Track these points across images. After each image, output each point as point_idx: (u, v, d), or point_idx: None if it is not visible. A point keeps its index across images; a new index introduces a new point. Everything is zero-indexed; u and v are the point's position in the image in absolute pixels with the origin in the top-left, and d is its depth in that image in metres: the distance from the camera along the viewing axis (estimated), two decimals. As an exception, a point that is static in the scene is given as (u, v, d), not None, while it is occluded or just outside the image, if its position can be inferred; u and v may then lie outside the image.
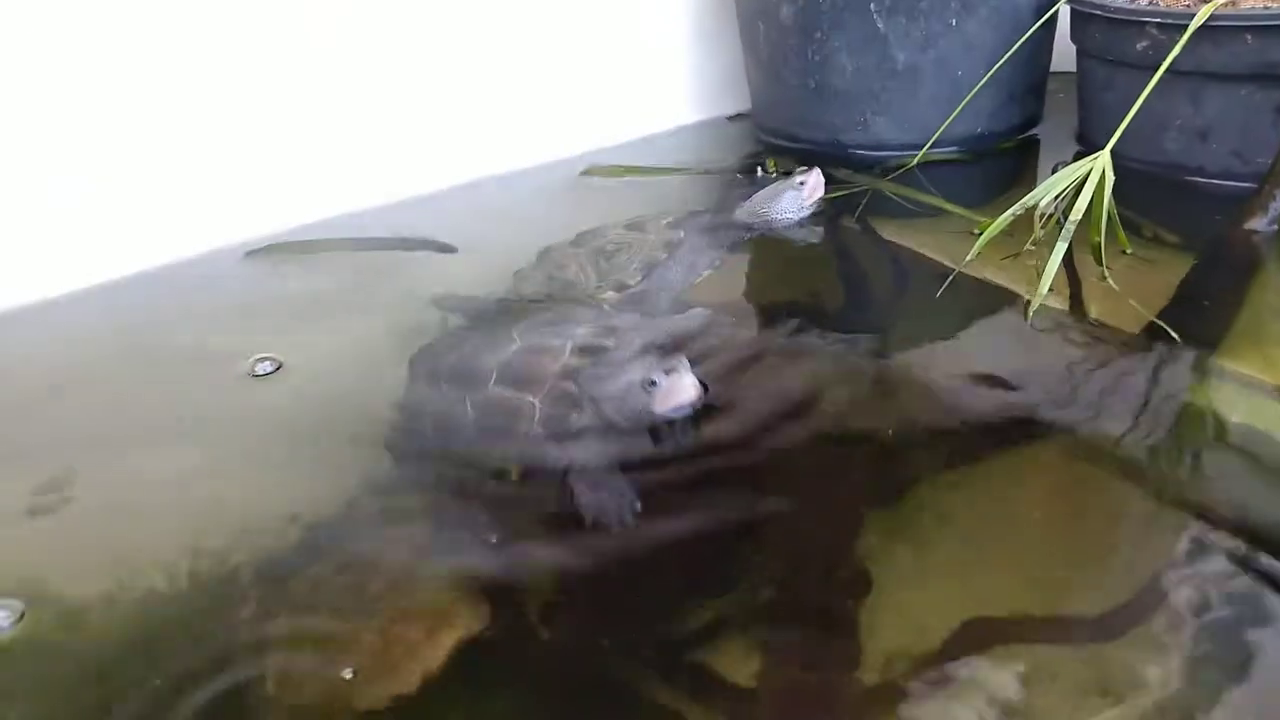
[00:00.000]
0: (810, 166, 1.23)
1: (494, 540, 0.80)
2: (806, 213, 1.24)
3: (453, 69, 1.59)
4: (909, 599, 0.72)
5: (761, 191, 1.28)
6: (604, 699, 0.68)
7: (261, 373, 1.07)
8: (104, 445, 0.99)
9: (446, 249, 1.37)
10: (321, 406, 1.01)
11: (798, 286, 1.20)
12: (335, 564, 0.80)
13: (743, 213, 1.28)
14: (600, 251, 1.19)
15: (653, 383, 0.88)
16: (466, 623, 0.74)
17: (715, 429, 0.91)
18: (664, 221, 1.25)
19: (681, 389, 0.89)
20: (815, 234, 1.28)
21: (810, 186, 1.22)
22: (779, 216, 1.25)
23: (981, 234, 1.13)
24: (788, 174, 1.30)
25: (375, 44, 1.51)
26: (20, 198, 1.27)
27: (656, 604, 0.74)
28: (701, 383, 0.90)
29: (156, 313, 1.28)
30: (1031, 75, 1.54)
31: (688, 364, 0.90)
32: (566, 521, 0.82)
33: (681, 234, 1.21)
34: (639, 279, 1.14)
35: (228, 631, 0.74)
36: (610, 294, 1.12)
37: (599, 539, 0.79)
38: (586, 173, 1.63)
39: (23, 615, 0.77)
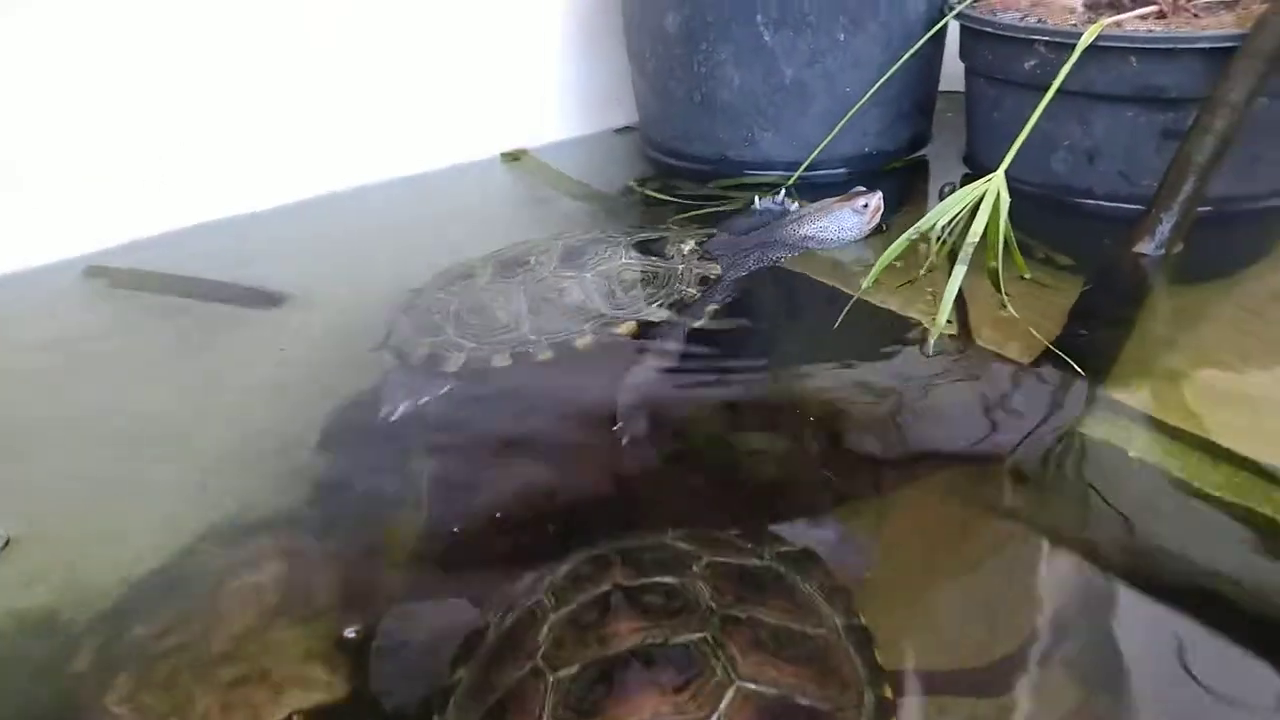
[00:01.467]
0: (871, 188, 1.11)
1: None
2: (865, 234, 1.11)
3: (320, 69, 1.49)
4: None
5: (813, 210, 1.12)
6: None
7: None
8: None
9: (273, 300, 1.22)
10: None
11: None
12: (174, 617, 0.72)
13: (792, 233, 1.12)
14: (614, 278, 1.01)
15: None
16: (324, 687, 0.66)
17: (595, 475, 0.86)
18: (686, 247, 1.08)
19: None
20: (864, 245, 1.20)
21: (873, 209, 1.10)
22: (837, 238, 1.11)
23: (877, 260, 1.08)
24: (847, 194, 1.14)
25: (227, 44, 1.40)
26: None
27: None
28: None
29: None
30: (920, 93, 1.52)
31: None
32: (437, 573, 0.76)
33: (717, 269, 1.07)
34: (663, 316, 1.00)
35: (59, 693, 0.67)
36: (626, 326, 0.98)
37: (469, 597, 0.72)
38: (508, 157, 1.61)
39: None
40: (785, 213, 1.17)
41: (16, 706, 0.67)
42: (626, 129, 1.81)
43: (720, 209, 1.37)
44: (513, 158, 1.69)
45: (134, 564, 0.77)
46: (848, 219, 1.10)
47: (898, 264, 1.11)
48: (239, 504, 0.84)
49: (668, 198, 1.44)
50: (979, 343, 1.02)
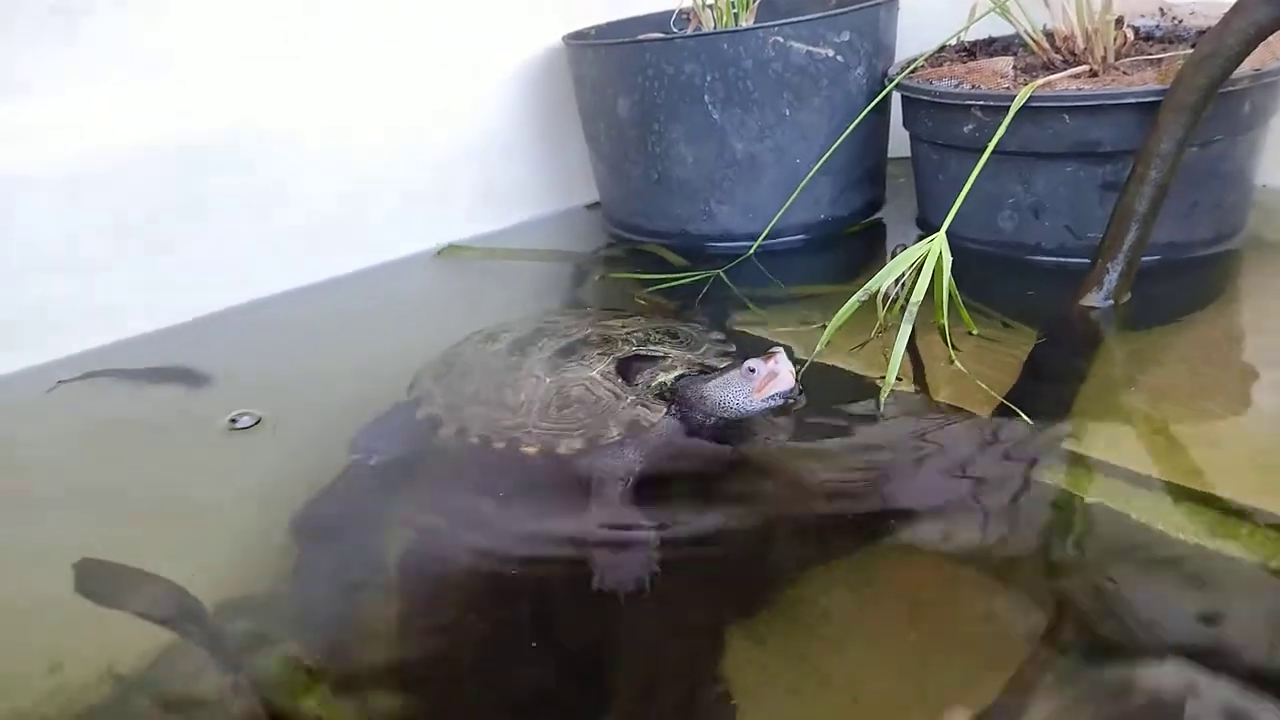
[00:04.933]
0: (774, 350, 0.93)
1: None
2: (763, 406, 0.94)
3: (290, 163, 1.53)
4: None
5: (715, 378, 0.97)
6: None
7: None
8: None
9: (198, 380, 1.27)
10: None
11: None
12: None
13: (697, 397, 0.98)
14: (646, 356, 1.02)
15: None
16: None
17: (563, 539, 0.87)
18: (713, 337, 1.10)
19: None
20: (780, 428, 1.02)
21: (762, 376, 0.93)
22: (736, 406, 0.95)
23: (830, 322, 1.10)
24: (743, 358, 0.97)
25: (189, 129, 1.43)
26: None
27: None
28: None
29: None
30: (868, 161, 1.56)
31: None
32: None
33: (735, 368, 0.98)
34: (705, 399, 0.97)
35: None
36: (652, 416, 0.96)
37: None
38: (443, 253, 1.63)
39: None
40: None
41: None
42: (597, 204, 1.85)
43: (682, 280, 1.40)
44: (451, 251, 1.70)
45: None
46: (735, 385, 0.95)
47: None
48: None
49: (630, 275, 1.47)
50: (938, 399, 1.03)
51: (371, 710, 0.72)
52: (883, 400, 1.01)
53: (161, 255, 1.43)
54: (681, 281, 1.40)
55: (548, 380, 1.00)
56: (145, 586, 0.87)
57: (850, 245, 1.57)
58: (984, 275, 1.31)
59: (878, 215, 1.63)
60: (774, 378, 0.92)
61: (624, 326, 1.10)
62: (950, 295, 1.08)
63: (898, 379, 1.02)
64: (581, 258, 1.60)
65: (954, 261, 1.09)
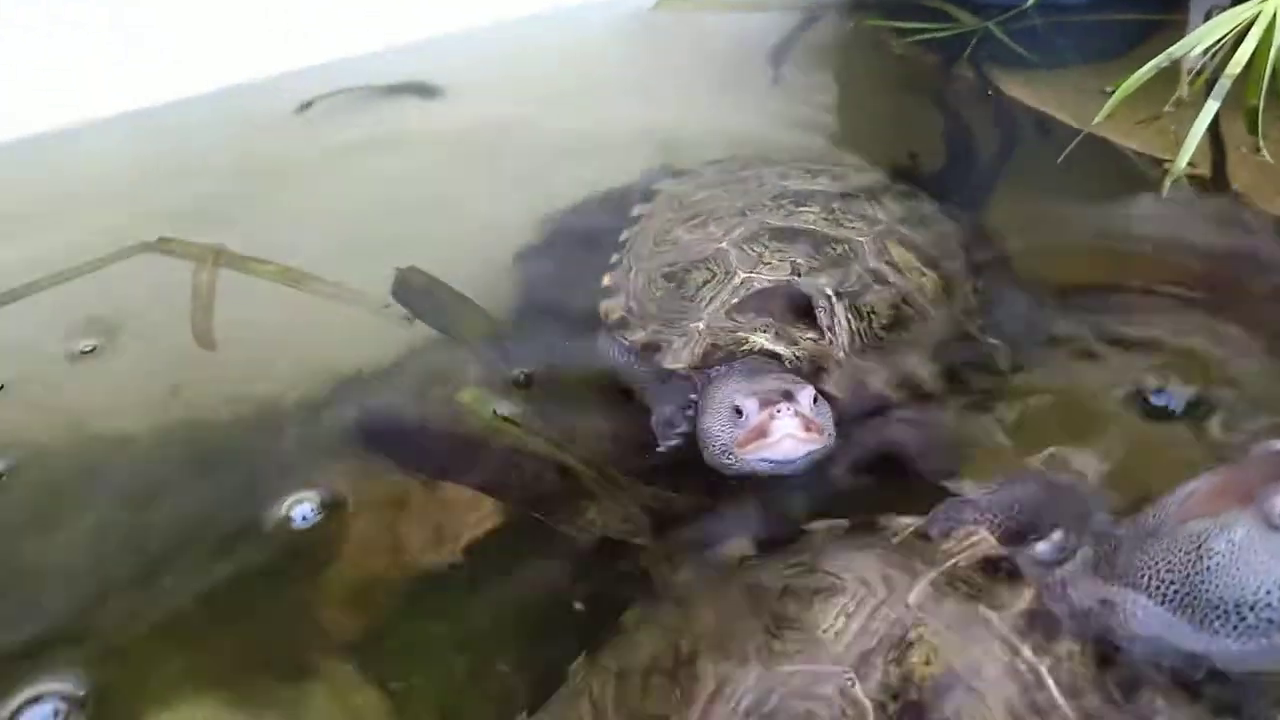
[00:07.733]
0: (786, 394, 0.62)
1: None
2: (750, 467, 0.64)
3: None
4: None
5: (723, 384, 0.68)
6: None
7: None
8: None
9: (428, 92, 1.27)
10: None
11: (893, 142, 1.07)
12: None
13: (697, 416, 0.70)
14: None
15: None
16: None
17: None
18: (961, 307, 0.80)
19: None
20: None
21: (749, 427, 0.62)
22: (704, 443, 0.67)
23: (1114, 91, 0.97)
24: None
25: None
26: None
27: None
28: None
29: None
30: (1190, -103, 1.32)
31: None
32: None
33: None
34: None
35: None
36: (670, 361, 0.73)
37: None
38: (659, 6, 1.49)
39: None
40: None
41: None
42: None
43: (944, 32, 1.27)
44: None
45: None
46: (719, 418, 0.65)
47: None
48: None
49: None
50: (1235, 189, 0.92)
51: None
52: (1169, 184, 0.90)
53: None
54: (943, 34, 1.26)
55: (715, 247, 0.77)
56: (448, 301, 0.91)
57: (1148, 3, 1.36)
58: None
59: (1189, -32, 1.41)
60: (761, 438, 0.61)
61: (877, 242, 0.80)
62: (1274, 70, 0.93)
63: (1190, 164, 0.90)
64: (826, 5, 1.46)
65: (1282, 30, 0.93)
